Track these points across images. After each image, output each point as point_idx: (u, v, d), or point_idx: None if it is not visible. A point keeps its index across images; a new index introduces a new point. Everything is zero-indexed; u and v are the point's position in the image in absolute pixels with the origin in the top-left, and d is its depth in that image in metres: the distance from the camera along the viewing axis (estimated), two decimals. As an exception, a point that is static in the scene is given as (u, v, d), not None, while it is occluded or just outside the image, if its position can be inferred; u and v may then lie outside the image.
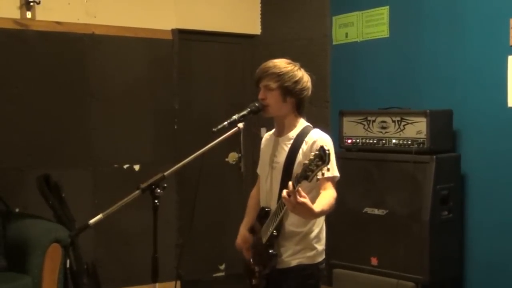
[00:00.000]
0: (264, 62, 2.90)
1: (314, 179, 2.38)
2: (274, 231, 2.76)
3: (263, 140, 3.05)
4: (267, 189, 2.90)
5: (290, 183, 2.41)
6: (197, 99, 5.89)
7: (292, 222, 2.78)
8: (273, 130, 3.00)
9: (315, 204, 2.50)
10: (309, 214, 2.49)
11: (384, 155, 4.35)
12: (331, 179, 2.69)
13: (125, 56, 5.40)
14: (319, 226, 2.85)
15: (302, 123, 2.89)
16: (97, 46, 5.25)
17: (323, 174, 2.37)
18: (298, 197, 2.38)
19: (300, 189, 2.40)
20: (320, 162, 2.33)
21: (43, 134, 5.03)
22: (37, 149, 5.00)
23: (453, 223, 4.30)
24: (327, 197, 2.64)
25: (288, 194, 2.39)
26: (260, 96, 2.85)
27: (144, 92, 5.49)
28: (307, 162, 2.38)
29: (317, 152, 2.34)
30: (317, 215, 2.59)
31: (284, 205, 2.53)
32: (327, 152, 2.32)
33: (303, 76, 2.85)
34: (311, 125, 2.89)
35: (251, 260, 2.96)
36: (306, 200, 2.41)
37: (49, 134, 5.05)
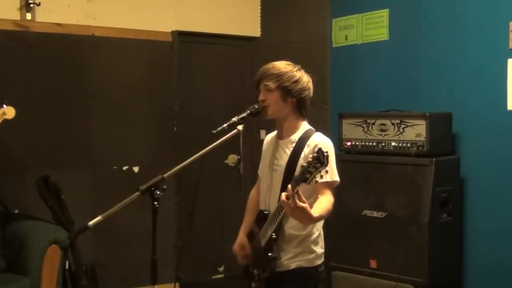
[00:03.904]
0: (264, 64, 2.90)
1: (313, 181, 2.36)
2: (273, 234, 2.75)
3: (265, 141, 3.04)
4: (267, 192, 2.89)
5: (289, 186, 2.39)
6: (196, 101, 5.89)
7: (292, 225, 2.77)
8: (275, 132, 2.99)
9: (313, 209, 2.47)
10: (307, 219, 2.48)
11: (383, 157, 4.35)
12: (330, 184, 2.67)
13: (125, 58, 5.40)
14: (319, 230, 2.85)
15: (304, 126, 2.87)
16: (97, 47, 5.26)
17: (321, 176, 2.35)
18: (297, 201, 2.36)
19: (300, 192, 2.37)
20: (318, 164, 2.30)
21: (42, 135, 5.02)
22: (36, 151, 5.00)
23: (452, 226, 4.30)
24: (324, 202, 2.62)
25: (287, 197, 2.37)
26: (260, 97, 2.84)
27: (144, 94, 5.49)
28: (305, 164, 2.35)
29: (315, 154, 2.31)
30: (315, 220, 2.59)
31: (283, 208, 2.51)
32: (325, 154, 2.29)
33: (303, 77, 2.84)
34: (313, 129, 2.87)
35: (250, 264, 2.95)
36: (305, 205, 2.39)
37: (49, 136, 5.05)
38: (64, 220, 4.53)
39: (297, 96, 2.81)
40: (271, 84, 2.79)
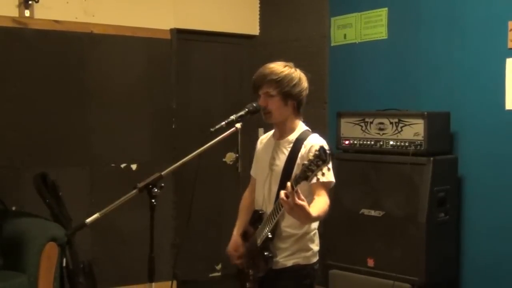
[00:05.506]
0: (262, 62, 2.90)
1: (314, 179, 2.36)
2: (269, 234, 2.75)
3: (259, 143, 3.05)
4: (265, 192, 2.89)
5: (289, 183, 2.39)
6: (195, 99, 5.89)
7: (289, 224, 2.77)
8: (269, 133, 3.00)
9: (311, 208, 2.47)
10: (305, 217, 2.48)
11: (381, 156, 4.35)
12: (326, 184, 2.67)
13: (123, 55, 5.39)
14: (315, 228, 2.86)
15: (301, 126, 2.88)
16: (95, 45, 5.25)
17: (323, 174, 2.35)
18: (296, 198, 2.36)
19: (299, 190, 2.38)
20: (320, 162, 2.31)
21: (40, 132, 5.02)
22: (34, 148, 4.99)
23: (449, 225, 4.31)
24: (321, 202, 2.62)
25: (286, 195, 2.38)
26: (261, 103, 2.83)
27: (142, 91, 5.49)
28: (306, 162, 2.35)
29: (317, 152, 2.32)
30: (313, 220, 2.60)
31: (281, 207, 2.51)
32: (327, 151, 2.31)
33: (300, 77, 2.84)
34: (310, 130, 2.88)
35: (245, 264, 2.95)
36: (304, 203, 2.39)
37: (47, 133, 5.05)
38: (61, 217, 4.53)
39: (297, 98, 2.83)
40: (272, 91, 2.79)
